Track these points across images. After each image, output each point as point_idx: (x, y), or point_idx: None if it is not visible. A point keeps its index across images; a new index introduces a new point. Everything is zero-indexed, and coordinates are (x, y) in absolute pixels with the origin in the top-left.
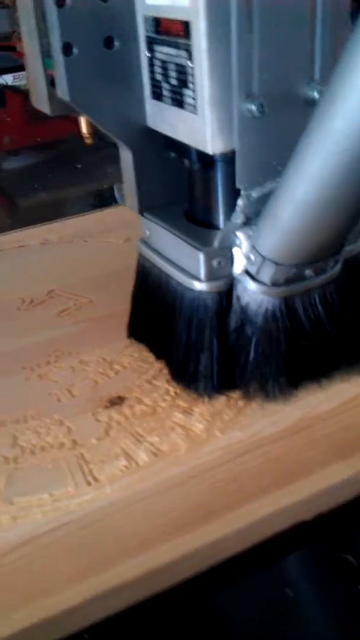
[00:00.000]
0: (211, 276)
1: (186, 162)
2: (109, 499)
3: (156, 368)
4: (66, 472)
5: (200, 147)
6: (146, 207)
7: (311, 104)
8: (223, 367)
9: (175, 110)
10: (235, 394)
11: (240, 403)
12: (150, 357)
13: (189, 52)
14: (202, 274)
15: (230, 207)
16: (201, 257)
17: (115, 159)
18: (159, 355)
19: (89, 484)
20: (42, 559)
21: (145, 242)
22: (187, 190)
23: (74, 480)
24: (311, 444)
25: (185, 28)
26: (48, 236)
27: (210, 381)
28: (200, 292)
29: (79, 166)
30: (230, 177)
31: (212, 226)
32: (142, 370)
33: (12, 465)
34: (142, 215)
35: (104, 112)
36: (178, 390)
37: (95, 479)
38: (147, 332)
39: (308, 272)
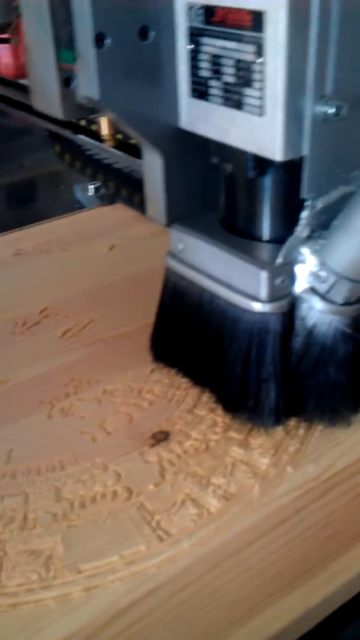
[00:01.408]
0: (273, 296)
1: (228, 167)
2: (192, 556)
3: (193, 395)
4: (131, 527)
5: (265, 154)
6: (174, 217)
7: None
8: (287, 396)
9: (229, 111)
10: (293, 421)
11: (301, 431)
12: (183, 382)
13: (258, 46)
14: (264, 293)
15: (284, 219)
16: (264, 275)
17: None
18: (199, 382)
19: (161, 539)
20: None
21: (176, 256)
22: (226, 199)
23: (143, 536)
24: None
25: (255, 18)
26: (21, 245)
27: (275, 412)
28: (261, 314)
29: None
30: (287, 186)
31: (260, 239)
32: (177, 399)
33: (63, 523)
34: (170, 226)
35: (134, 112)
36: (227, 420)
37: (167, 533)
38: (182, 356)
39: None
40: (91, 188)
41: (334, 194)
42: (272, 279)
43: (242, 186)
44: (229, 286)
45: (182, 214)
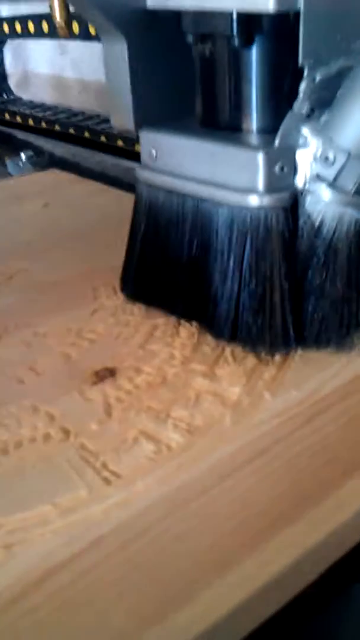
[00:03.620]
0: (272, 186)
1: (207, 48)
2: (149, 498)
3: (143, 332)
4: (67, 471)
5: (254, 7)
6: (142, 121)
7: None
8: (296, 311)
9: None
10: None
11: (278, 358)
12: (132, 320)
13: None
14: (262, 183)
15: (277, 101)
16: (260, 159)
17: None
18: (184, 314)
19: (108, 482)
20: (69, 607)
21: (149, 166)
22: (205, 88)
23: (84, 480)
24: None
25: None
26: None
27: (283, 331)
28: (259, 208)
29: None
30: (279, 59)
31: (250, 129)
32: (125, 336)
33: None
34: (138, 132)
35: None
36: (186, 353)
37: (116, 475)
38: (162, 287)
39: None
40: (24, 156)
41: (334, 66)
42: (269, 164)
43: (224, 65)
44: (217, 184)
45: (151, 117)
